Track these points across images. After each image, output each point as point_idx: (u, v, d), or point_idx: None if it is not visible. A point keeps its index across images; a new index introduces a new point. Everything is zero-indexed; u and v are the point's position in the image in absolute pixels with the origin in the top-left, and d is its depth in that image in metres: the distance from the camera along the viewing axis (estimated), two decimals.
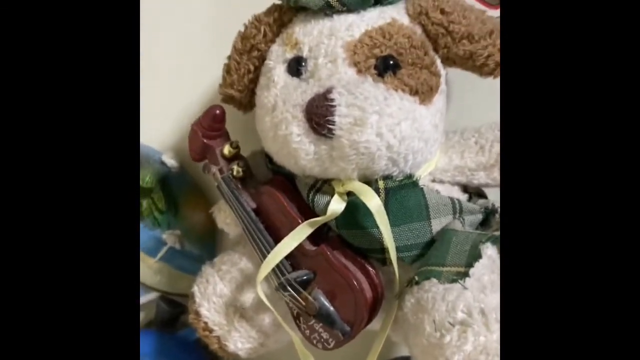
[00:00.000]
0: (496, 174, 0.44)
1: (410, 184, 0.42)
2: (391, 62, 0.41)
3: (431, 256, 0.41)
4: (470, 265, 0.39)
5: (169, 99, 0.60)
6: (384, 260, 0.43)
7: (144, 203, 0.58)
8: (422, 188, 0.43)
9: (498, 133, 0.45)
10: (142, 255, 0.59)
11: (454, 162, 0.45)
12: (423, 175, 0.44)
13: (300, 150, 0.41)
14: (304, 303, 0.44)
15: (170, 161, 0.58)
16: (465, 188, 0.47)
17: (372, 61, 0.41)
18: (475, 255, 0.39)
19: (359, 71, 0.41)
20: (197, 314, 0.50)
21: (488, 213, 0.45)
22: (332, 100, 0.39)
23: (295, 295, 0.44)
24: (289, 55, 0.44)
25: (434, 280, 0.40)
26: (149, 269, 0.60)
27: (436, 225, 0.42)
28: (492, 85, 0.47)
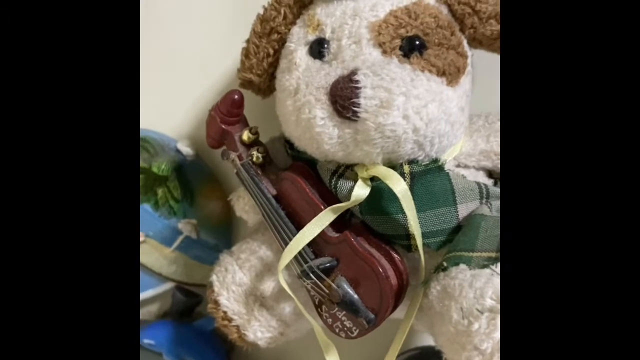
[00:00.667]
0: None
1: (435, 168, 0.41)
2: (417, 42, 0.40)
3: (459, 242, 0.40)
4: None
5: (185, 86, 0.59)
6: (409, 247, 0.42)
7: (160, 191, 0.57)
8: (447, 172, 0.42)
9: None
10: (157, 244, 0.59)
11: (480, 147, 0.44)
12: (448, 160, 0.43)
13: (323, 134, 0.40)
14: (327, 291, 0.43)
15: (185, 149, 0.57)
16: (490, 173, 0.46)
17: (398, 42, 0.40)
18: None
19: (384, 52, 0.40)
20: (216, 303, 0.49)
21: None
22: (357, 82, 0.37)
23: (319, 282, 0.43)
24: (311, 37, 0.43)
25: (462, 266, 0.39)
26: (165, 258, 0.59)
27: (463, 210, 0.41)
28: None
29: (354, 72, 0.38)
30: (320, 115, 0.39)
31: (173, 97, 0.59)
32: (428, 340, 0.59)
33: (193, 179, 0.58)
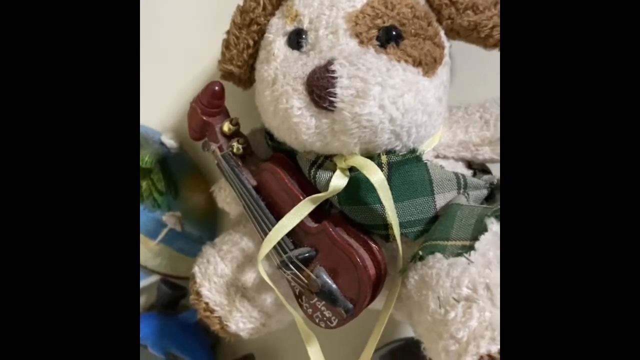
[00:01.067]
0: None
1: (413, 158, 0.42)
2: (394, 32, 0.40)
3: (435, 231, 0.40)
4: (475, 238, 0.38)
5: (168, 79, 0.59)
6: (387, 237, 0.42)
7: (143, 184, 0.57)
8: (425, 163, 0.42)
9: None
10: (142, 237, 0.59)
11: (458, 137, 0.44)
12: (427, 151, 0.43)
13: (301, 124, 0.40)
14: (306, 281, 0.43)
15: (169, 142, 0.57)
16: (469, 164, 0.46)
17: (374, 32, 0.40)
18: (480, 229, 0.38)
19: (361, 42, 0.40)
20: (198, 294, 0.49)
21: (493, 188, 0.44)
22: (333, 71, 0.38)
23: (298, 273, 0.43)
24: (289, 27, 0.43)
25: (439, 255, 0.39)
26: (150, 251, 0.60)
27: (440, 200, 0.42)
28: (497, 60, 0.46)
29: (330, 62, 0.38)
30: (298, 106, 0.39)
31: (157, 90, 0.58)
32: (408, 333, 0.59)
33: (177, 172, 0.58)
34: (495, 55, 0.43)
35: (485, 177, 0.45)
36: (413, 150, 0.42)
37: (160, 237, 0.59)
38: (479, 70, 0.51)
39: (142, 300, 0.65)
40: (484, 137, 0.44)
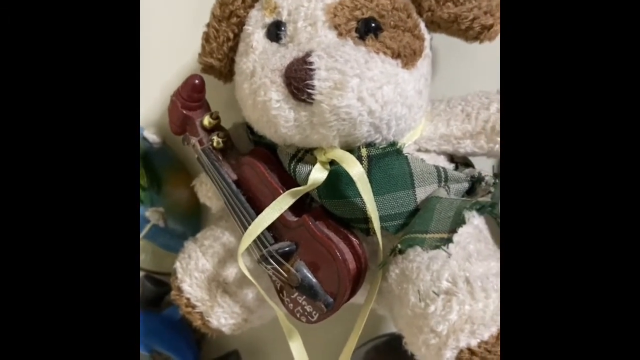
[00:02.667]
0: (482, 142, 0.43)
1: (393, 151, 0.41)
2: (373, 24, 0.39)
3: (415, 224, 0.40)
4: (453, 231, 0.38)
5: (150, 73, 0.58)
6: (368, 230, 0.42)
7: None
8: (406, 156, 0.42)
9: (485, 100, 0.44)
10: None
11: (440, 131, 0.44)
12: (408, 144, 0.43)
13: (279, 117, 0.39)
14: (286, 275, 0.43)
15: (152, 136, 0.57)
16: (451, 157, 0.46)
17: (353, 24, 0.40)
18: (458, 221, 0.38)
19: (340, 34, 0.39)
20: (180, 290, 0.49)
21: (474, 181, 0.44)
22: (311, 63, 0.37)
23: (278, 267, 0.43)
24: (268, 19, 0.42)
25: (419, 249, 0.39)
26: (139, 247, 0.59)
27: (421, 193, 0.41)
28: (479, 54, 0.46)
29: (308, 54, 0.38)
30: (276, 98, 0.39)
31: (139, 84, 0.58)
32: (392, 328, 0.59)
33: (160, 167, 0.58)
34: (477, 49, 0.43)
35: (467, 170, 0.45)
36: (393, 144, 0.41)
37: (143, 233, 0.59)
38: (462, 64, 0.51)
39: None
40: (465, 130, 0.44)
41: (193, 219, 0.61)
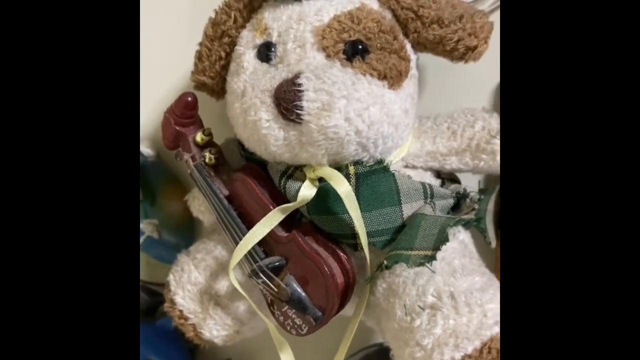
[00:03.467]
0: (467, 159, 0.44)
1: (381, 169, 0.42)
2: (360, 46, 0.41)
3: (400, 240, 0.41)
4: (437, 248, 0.39)
5: (146, 88, 0.59)
6: (356, 246, 0.43)
7: None
8: (393, 173, 0.43)
9: (471, 118, 0.45)
10: None
11: (426, 148, 0.45)
12: (395, 161, 0.44)
13: (269, 136, 0.40)
14: (276, 289, 0.44)
15: (146, 150, 0.57)
16: (438, 174, 0.47)
17: (341, 46, 0.41)
18: (442, 239, 0.39)
19: (328, 56, 0.41)
20: (172, 302, 0.50)
21: (459, 198, 0.45)
22: (299, 85, 0.38)
23: (268, 281, 0.44)
24: (259, 40, 0.43)
25: (403, 264, 0.40)
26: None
27: (407, 210, 0.43)
28: (466, 72, 0.47)
29: (297, 76, 0.39)
30: (266, 118, 0.40)
31: None
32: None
33: (154, 180, 0.59)
34: (464, 67, 0.44)
35: (452, 186, 0.46)
36: (380, 161, 0.43)
37: None
38: (454, 81, 0.52)
39: None
40: (451, 147, 0.45)
41: (187, 231, 0.62)
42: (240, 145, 0.48)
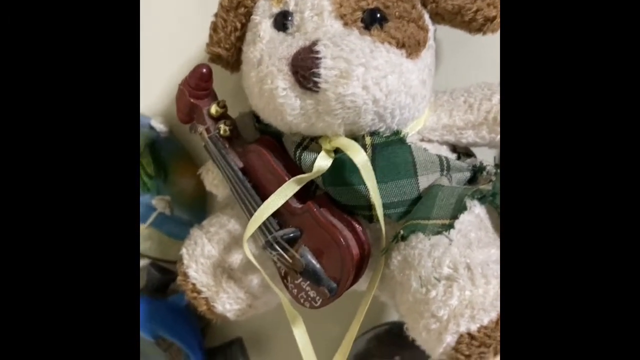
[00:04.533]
0: (484, 132, 0.44)
1: (397, 140, 0.42)
2: (378, 14, 0.40)
3: (417, 210, 0.41)
4: (455, 217, 0.39)
5: (158, 63, 0.59)
6: (371, 218, 0.43)
7: None
8: (409, 145, 0.42)
9: (487, 92, 0.45)
10: None
11: (443, 121, 0.45)
12: (411, 134, 0.44)
13: (286, 105, 0.40)
14: (290, 261, 0.43)
15: (159, 126, 0.57)
16: (454, 148, 0.47)
17: (359, 14, 0.40)
18: (460, 208, 0.39)
19: (345, 24, 0.40)
20: (185, 275, 0.50)
21: (476, 171, 0.45)
22: (317, 52, 0.38)
23: (282, 253, 0.44)
24: (275, 9, 0.43)
25: (421, 235, 0.40)
26: (139, 235, 0.60)
27: (423, 182, 0.42)
28: (482, 46, 0.46)
29: (314, 43, 0.39)
30: (282, 86, 0.40)
31: (146, 74, 0.58)
32: (396, 316, 0.60)
33: (167, 156, 0.59)
34: (480, 41, 0.44)
35: (469, 160, 0.45)
36: (397, 132, 0.42)
37: (149, 220, 0.60)
38: (465, 56, 0.52)
39: None
40: (467, 120, 0.44)
41: (198, 208, 0.62)
42: (255, 118, 0.48)
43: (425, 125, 0.45)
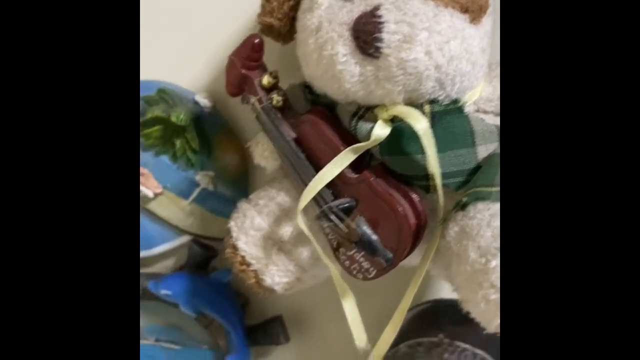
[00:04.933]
0: None
1: (456, 109, 0.42)
2: None
3: (478, 179, 0.40)
4: None
5: (203, 39, 0.59)
6: (428, 188, 0.42)
7: (178, 143, 0.57)
8: (467, 114, 0.42)
9: None
10: (174, 197, 0.59)
11: (498, 92, 0.44)
12: (468, 103, 0.43)
13: (345, 71, 0.40)
14: (346, 230, 0.43)
15: (203, 101, 0.57)
16: None
17: None
18: None
19: None
20: (235, 247, 0.49)
21: None
22: (379, 16, 0.38)
23: (338, 223, 0.43)
24: None
25: (480, 206, 0.39)
26: (182, 211, 0.60)
27: (482, 151, 0.42)
28: None
29: (377, 8, 0.38)
30: (343, 52, 0.39)
31: (191, 50, 0.59)
32: (440, 294, 0.60)
33: (211, 131, 0.59)
34: None
35: None
36: (456, 101, 0.42)
37: (192, 196, 0.59)
38: None
39: (173, 261, 0.66)
40: None
41: (242, 184, 0.61)
42: (307, 89, 0.47)
43: (481, 96, 0.44)
